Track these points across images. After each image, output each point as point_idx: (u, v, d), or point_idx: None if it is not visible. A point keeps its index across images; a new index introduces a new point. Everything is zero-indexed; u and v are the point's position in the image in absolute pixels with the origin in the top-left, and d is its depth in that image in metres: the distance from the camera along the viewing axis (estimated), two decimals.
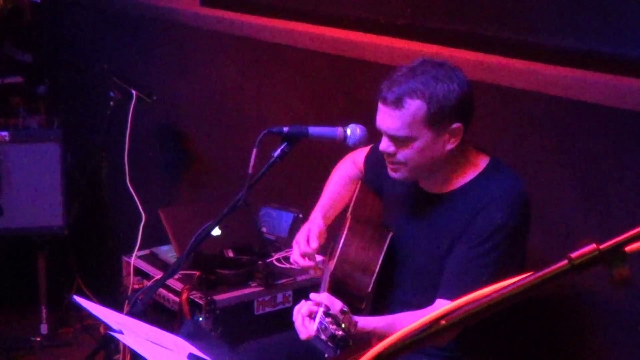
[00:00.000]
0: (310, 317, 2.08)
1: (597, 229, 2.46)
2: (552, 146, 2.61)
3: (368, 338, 2.18)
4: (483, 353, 2.42)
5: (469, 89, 2.25)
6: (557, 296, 2.61)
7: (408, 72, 2.24)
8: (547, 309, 2.62)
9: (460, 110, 2.23)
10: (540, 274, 1.07)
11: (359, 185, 2.66)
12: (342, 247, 2.39)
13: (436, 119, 2.21)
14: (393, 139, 2.26)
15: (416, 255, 2.39)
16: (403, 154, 2.27)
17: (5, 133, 4.08)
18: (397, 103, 2.21)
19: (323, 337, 1.97)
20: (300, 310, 2.12)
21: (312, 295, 2.15)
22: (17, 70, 5.05)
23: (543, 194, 2.63)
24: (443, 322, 1.11)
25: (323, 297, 2.11)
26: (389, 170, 2.35)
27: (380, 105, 2.27)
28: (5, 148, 4.07)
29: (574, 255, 1.04)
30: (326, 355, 2.04)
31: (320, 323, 1.99)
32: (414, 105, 2.20)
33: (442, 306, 2.22)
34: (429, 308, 2.24)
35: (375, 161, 2.59)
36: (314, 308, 2.09)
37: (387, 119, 2.25)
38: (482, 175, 2.32)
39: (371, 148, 2.63)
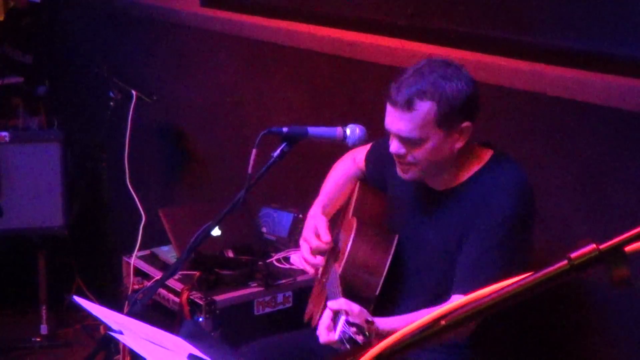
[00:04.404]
0: (333, 323, 2.04)
1: (597, 229, 2.46)
2: (552, 146, 2.61)
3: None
4: (484, 350, 2.42)
5: (475, 87, 2.24)
6: (557, 296, 2.60)
7: (415, 73, 2.22)
8: (546, 309, 2.62)
9: (468, 108, 2.23)
10: (540, 274, 1.07)
11: (357, 185, 2.64)
12: (349, 250, 2.37)
13: (446, 119, 2.20)
14: (404, 140, 2.25)
15: (425, 253, 2.37)
16: (414, 155, 2.26)
17: (5, 133, 4.08)
18: (408, 105, 2.19)
19: (346, 345, 1.94)
20: (323, 322, 2.07)
21: (330, 304, 2.10)
22: (17, 71, 5.04)
23: (543, 194, 2.63)
24: (443, 322, 1.11)
25: (342, 304, 2.06)
26: (398, 171, 2.33)
27: (389, 108, 2.24)
28: (5, 148, 4.07)
29: (573, 255, 1.04)
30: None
31: (343, 332, 1.95)
32: (425, 107, 2.19)
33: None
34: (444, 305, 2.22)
35: (379, 158, 2.58)
36: (337, 317, 2.04)
37: (397, 121, 2.22)
38: (486, 167, 2.31)
39: (372, 145, 2.61)
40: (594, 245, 1.03)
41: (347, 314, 2.01)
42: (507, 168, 2.30)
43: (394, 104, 2.22)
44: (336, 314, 2.03)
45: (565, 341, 2.64)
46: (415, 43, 2.98)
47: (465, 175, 2.32)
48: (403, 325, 2.09)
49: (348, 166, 2.72)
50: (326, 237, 2.47)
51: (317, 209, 2.61)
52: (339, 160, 2.76)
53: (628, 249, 1.03)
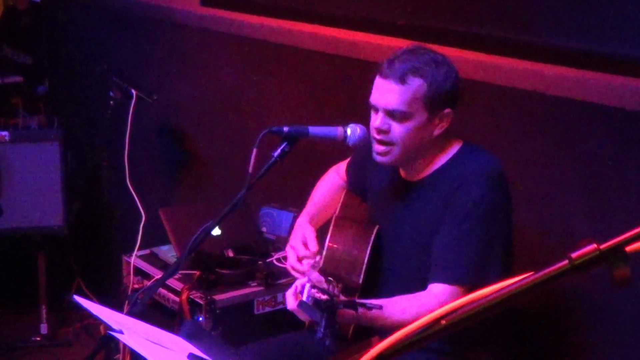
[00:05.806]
0: (298, 292, 2.16)
1: (597, 229, 2.46)
2: (552, 146, 2.61)
3: (358, 322, 2.22)
4: (480, 351, 2.42)
5: (458, 78, 2.34)
6: (557, 296, 2.60)
7: (409, 52, 2.32)
8: (546, 310, 2.62)
9: (453, 96, 2.32)
10: (540, 274, 1.07)
11: (344, 193, 2.71)
12: (328, 243, 2.44)
13: (433, 101, 2.28)
14: (390, 114, 2.31)
15: (403, 243, 2.43)
16: (396, 132, 2.31)
17: (5, 133, 4.08)
18: (401, 78, 2.27)
19: (315, 309, 2.03)
20: (290, 290, 2.21)
21: (298, 281, 2.23)
22: (17, 70, 5.05)
23: (543, 194, 2.63)
24: (443, 322, 1.11)
25: (305, 271, 2.21)
26: (376, 155, 2.38)
27: (380, 80, 2.33)
28: (5, 148, 4.07)
29: (574, 255, 1.04)
30: (316, 323, 2.05)
31: (309, 295, 2.04)
32: (416, 83, 2.27)
33: (436, 290, 2.24)
34: (422, 293, 2.28)
35: (358, 164, 2.66)
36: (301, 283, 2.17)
37: (387, 93, 2.30)
38: (456, 157, 2.38)
39: (352, 156, 2.71)
40: (594, 245, 1.03)
41: (310, 280, 2.12)
42: (476, 157, 2.36)
43: (387, 76, 2.29)
44: (302, 286, 2.14)
45: (563, 341, 2.64)
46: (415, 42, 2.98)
47: (436, 165, 2.39)
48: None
49: (332, 178, 2.80)
50: (314, 246, 2.50)
51: (304, 219, 2.67)
52: (323, 176, 2.83)
53: (629, 248, 1.03)
